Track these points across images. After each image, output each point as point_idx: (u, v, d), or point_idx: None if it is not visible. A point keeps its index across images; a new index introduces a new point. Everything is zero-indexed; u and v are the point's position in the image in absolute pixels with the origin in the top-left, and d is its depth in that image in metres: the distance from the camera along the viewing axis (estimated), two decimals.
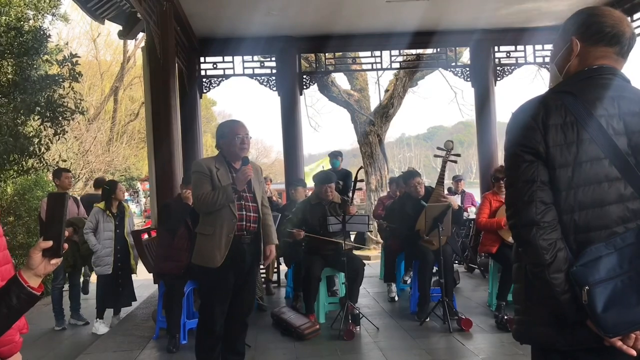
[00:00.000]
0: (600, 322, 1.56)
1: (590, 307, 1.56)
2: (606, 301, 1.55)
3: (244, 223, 3.85)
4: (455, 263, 7.50)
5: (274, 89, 8.96)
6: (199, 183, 3.82)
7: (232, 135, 3.88)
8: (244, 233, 3.86)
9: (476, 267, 8.37)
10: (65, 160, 10.11)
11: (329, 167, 8.67)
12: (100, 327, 6.13)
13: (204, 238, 3.81)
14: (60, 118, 7.72)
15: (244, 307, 4.02)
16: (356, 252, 6.56)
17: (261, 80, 9.01)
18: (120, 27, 8.40)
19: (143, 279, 7.49)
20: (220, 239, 3.74)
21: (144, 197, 26.66)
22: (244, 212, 3.86)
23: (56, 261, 1.59)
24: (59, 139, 8.16)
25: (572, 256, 1.63)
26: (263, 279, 7.15)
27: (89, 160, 18.40)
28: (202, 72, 8.95)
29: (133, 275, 6.44)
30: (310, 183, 7.43)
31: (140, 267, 6.42)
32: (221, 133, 3.97)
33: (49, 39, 8.39)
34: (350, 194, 6.28)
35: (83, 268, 6.97)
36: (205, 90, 9.01)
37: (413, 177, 6.22)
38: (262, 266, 7.15)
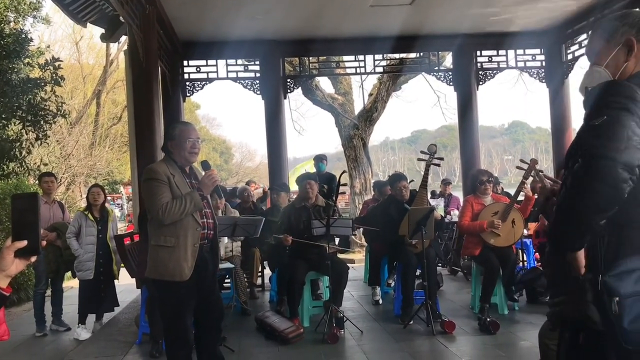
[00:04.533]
0: (625, 335, 1.56)
1: (619, 319, 1.56)
2: (635, 315, 1.55)
3: (206, 231, 3.69)
4: (439, 266, 7.55)
5: (258, 92, 8.96)
6: (157, 191, 3.53)
7: (182, 138, 3.65)
8: (205, 241, 3.71)
9: (459, 269, 8.42)
10: (47, 164, 10.02)
11: (314, 170, 8.67)
12: (82, 333, 6.06)
13: (165, 250, 3.54)
14: (42, 122, 7.64)
15: (216, 315, 3.91)
16: (340, 256, 6.58)
17: (245, 84, 9.00)
18: (102, 30, 8.34)
19: (125, 284, 7.42)
20: (186, 250, 3.53)
21: (127, 201, 26.43)
22: (205, 220, 3.70)
23: (35, 258, 1.59)
24: (40, 144, 8.08)
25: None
26: (247, 283, 7.12)
27: (71, 164, 18.20)
28: (186, 76, 8.92)
29: (115, 280, 6.38)
30: (294, 187, 7.44)
31: (123, 272, 6.36)
32: (171, 134, 3.71)
33: (30, 42, 8.30)
34: (334, 198, 6.29)
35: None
36: (188, 94, 8.98)
37: (399, 180, 6.25)
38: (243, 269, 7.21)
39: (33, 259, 1.59)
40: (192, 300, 3.67)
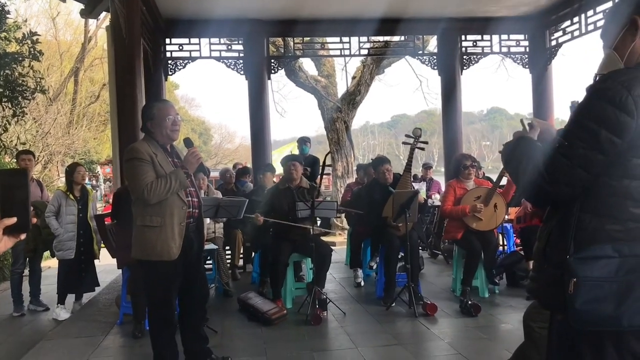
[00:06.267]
0: (575, 315, 1.61)
1: (571, 298, 1.60)
2: (587, 299, 1.60)
3: (191, 209, 3.68)
4: (419, 249, 7.60)
5: (242, 72, 8.85)
6: (141, 171, 3.49)
7: (161, 117, 3.61)
8: (191, 220, 3.70)
9: (440, 253, 8.50)
10: (24, 143, 9.80)
11: (297, 152, 8.63)
12: (62, 313, 5.99)
13: (152, 230, 3.53)
14: (19, 98, 7.44)
15: (202, 295, 3.94)
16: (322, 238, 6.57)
17: (228, 64, 8.88)
18: (82, 6, 8.12)
19: (105, 264, 7.34)
20: (173, 229, 3.53)
21: (104, 181, 26.12)
22: (190, 198, 3.69)
23: (24, 236, 1.55)
24: (17, 121, 7.87)
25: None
26: (229, 264, 7.10)
27: (48, 142, 17.87)
28: (168, 54, 8.76)
29: (96, 260, 6.30)
30: (278, 169, 7.39)
31: (103, 252, 6.28)
32: (149, 114, 3.67)
33: (7, 14, 8.04)
34: (318, 180, 6.27)
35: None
36: (170, 73, 8.83)
37: (382, 164, 6.26)
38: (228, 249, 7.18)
39: (23, 236, 1.55)
40: (179, 279, 3.67)
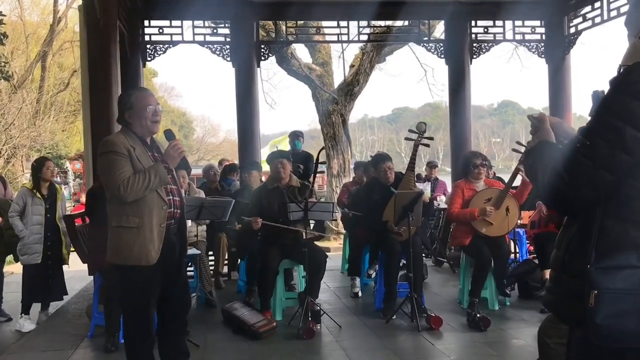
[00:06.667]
0: (596, 331, 1.62)
1: (592, 312, 1.61)
2: (609, 313, 1.60)
3: (173, 209, 3.67)
4: (423, 256, 7.62)
5: (228, 59, 8.82)
6: (117, 165, 3.48)
7: (141, 107, 3.61)
8: (172, 222, 3.69)
9: (445, 260, 8.52)
10: None
11: (288, 148, 8.64)
12: (26, 324, 5.97)
13: (129, 232, 3.52)
14: None
15: (182, 304, 3.92)
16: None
17: (213, 49, 8.85)
18: None
19: (75, 270, 7.31)
20: (152, 231, 3.52)
21: (74, 178, 26.02)
22: (171, 197, 3.68)
23: None
24: None
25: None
26: (212, 271, 7.10)
27: (12, 134, 17.82)
28: (147, 38, 8.72)
29: (64, 266, 6.29)
30: (266, 167, 7.39)
31: (73, 257, 6.27)
32: (126, 104, 3.65)
33: None
34: (312, 178, 6.28)
35: None
36: (149, 59, 8.78)
37: (383, 161, 6.25)
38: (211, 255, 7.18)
39: None
40: (158, 287, 3.65)
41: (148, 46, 8.71)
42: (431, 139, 6.17)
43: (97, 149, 6.12)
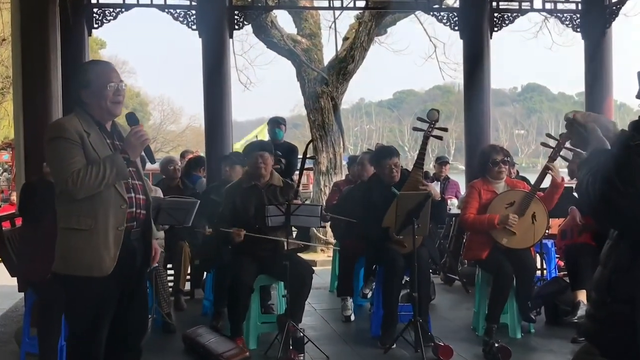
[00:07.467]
0: None
1: None
2: None
3: (134, 210, 3.64)
4: (430, 272, 7.63)
5: (194, 27, 8.80)
6: (66, 155, 3.44)
7: (101, 84, 3.56)
8: (134, 224, 3.65)
9: (456, 278, 8.54)
10: None
11: (267, 138, 8.63)
12: None
13: (79, 235, 3.48)
14: None
15: (136, 328, 3.88)
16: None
17: (176, 15, 8.82)
18: None
19: (1, 286, 7.30)
20: (107, 235, 3.48)
21: (1, 172, 25.91)
22: (133, 194, 3.64)
23: None
24: None
25: None
26: (171, 289, 7.06)
27: None
28: (93, 0, 8.68)
29: None
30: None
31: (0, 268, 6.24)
32: (82, 80, 3.61)
33: None
34: (297, 176, 6.27)
35: None
36: (96, 25, 8.73)
37: (390, 157, 6.21)
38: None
39: None
40: (112, 305, 3.62)
41: (95, 10, 8.66)
42: (445, 130, 6.19)
43: (29, 135, 6.13)
